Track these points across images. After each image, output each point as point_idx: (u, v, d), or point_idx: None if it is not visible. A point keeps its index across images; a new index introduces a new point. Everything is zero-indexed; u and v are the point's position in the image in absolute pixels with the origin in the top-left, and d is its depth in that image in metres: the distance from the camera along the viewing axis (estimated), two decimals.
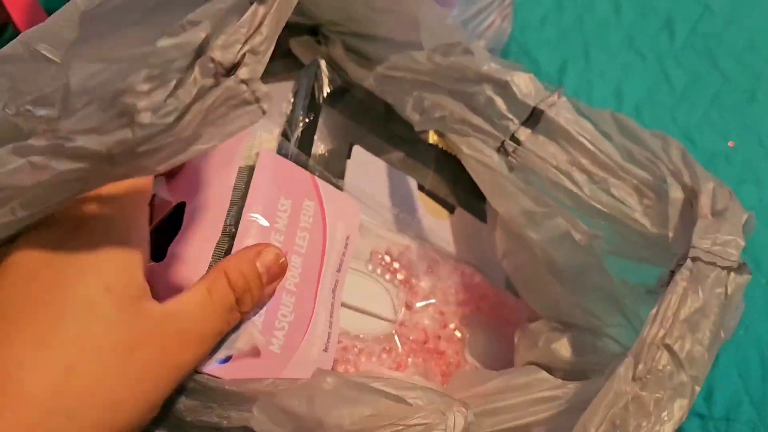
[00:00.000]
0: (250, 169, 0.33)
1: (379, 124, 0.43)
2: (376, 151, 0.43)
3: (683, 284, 0.28)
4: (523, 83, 0.35)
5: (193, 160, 0.31)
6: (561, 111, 0.34)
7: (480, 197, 0.45)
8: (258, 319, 0.30)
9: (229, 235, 0.31)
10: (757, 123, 0.57)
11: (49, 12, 0.59)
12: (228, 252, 0.31)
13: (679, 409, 0.27)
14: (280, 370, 0.31)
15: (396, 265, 0.38)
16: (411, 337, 0.37)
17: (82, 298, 0.24)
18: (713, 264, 0.29)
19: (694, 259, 0.29)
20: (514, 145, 0.35)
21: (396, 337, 0.36)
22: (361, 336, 0.35)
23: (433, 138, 0.45)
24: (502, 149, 0.35)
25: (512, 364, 0.39)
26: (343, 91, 0.41)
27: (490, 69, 0.35)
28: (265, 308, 0.31)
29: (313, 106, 0.38)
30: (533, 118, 0.34)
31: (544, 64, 0.60)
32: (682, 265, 0.29)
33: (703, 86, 0.59)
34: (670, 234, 0.31)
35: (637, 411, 0.26)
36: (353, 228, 0.36)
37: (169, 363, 0.25)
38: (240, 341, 0.30)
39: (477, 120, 0.36)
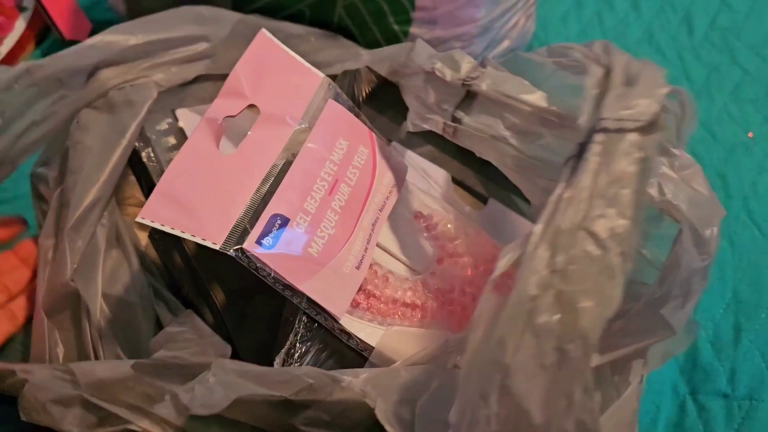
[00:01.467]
0: (316, 113, 0.38)
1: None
2: (409, 145, 0.45)
3: (595, 161, 0.26)
4: (450, 63, 0.35)
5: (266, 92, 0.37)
6: (485, 80, 0.34)
7: (508, 187, 0.47)
8: (302, 224, 0.35)
9: (293, 153, 0.37)
10: None
11: (90, 17, 0.62)
12: (285, 169, 0.36)
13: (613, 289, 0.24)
14: (315, 272, 0.35)
15: (436, 223, 0.42)
16: (437, 286, 0.39)
17: None
18: (621, 129, 0.26)
19: (603, 131, 0.26)
20: (454, 125, 0.36)
21: (422, 283, 0.39)
22: (393, 271, 0.39)
23: None
24: (445, 132, 0.36)
25: None
26: (377, 89, 0.43)
27: (422, 60, 0.36)
28: (310, 216, 0.36)
29: (355, 105, 0.41)
30: (470, 95, 0.35)
31: None
32: (589, 141, 0.27)
33: (722, 80, 0.60)
34: (584, 113, 0.28)
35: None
36: (399, 180, 0.41)
37: None
38: (284, 237, 0.34)
39: (427, 112, 0.37)
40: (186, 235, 0.33)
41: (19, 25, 0.60)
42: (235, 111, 0.37)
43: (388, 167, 0.40)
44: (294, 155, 0.37)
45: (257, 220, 0.34)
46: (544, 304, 0.24)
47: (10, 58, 0.58)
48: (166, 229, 0.33)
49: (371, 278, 0.38)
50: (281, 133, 0.37)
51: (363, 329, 0.36)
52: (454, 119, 0.35)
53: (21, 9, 0.61)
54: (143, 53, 0.39)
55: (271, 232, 0.34)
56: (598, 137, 0.26)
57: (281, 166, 0.36)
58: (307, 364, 0.34)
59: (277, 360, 0.33)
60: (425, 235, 0.41)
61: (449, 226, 0.42)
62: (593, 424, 0.24)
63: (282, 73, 0.38)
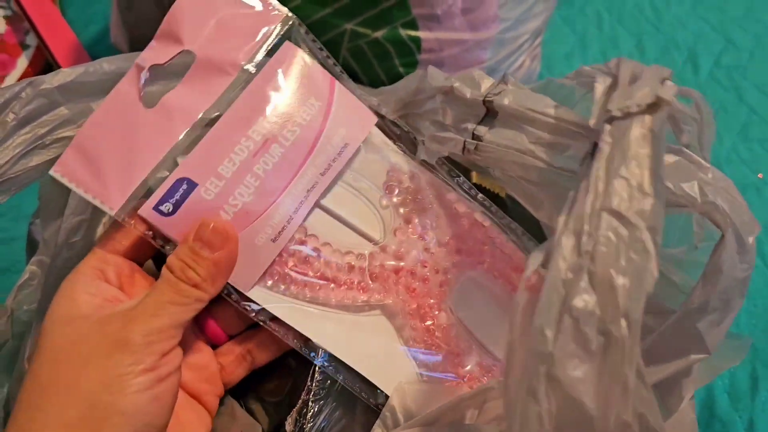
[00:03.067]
0: (265, 60, 0.34)
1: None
2: None
3: (607, 148, 0.26)
4: (470, 82, 0.35)
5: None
6: (509, 95, 0.34)
7: (508, 215, 0.46)
8: (212, 190, 0.32)
9: (222, 108, 0.33)
10: None
11: (92, 55, 0.62)
12: (211, 126, 0.33)
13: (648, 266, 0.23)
14: None
15: (400, 180, 0.38)
16: (389, 261, 0.36)
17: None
18: (628, 114, 0.26)
19: (610, 121, 0.26)
20: (475, 142, 0.35)
21: (368, 257, 0.36)
22: (331, 242, 0.35)
23: (475, 178, 0.46)
24: (465, 150, 0.35)
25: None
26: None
27: (438, 81, 0.36)
28: (224, 182, 0.32)
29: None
30: (491, 113, 0.35)
31: None
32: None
33: (729, 119, 0.60)
34: (593, 116, 0.29)
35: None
36: (356, 138, 0.36)
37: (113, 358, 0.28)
38: (187, 204, 0.32)
39: (444, 133, 0.36)
40: (88, 197, 0.31)
41: (22, 63, 0.59)
42: (165, 58, 0.33)
43: (344, 122, 0.35)
44: (223, 111, 0.33)
45: (161, 184, 0.32)
46: (578, 287, 0.23)
47: None
48: (73, 188, 0.31)
49: (296, 253, 0.35)
50: (214, 84, 0.33)
51: (281, 306, 0.34)
52: (475, 136, 0.35)
53: (23, 47, 0.60)
54: None
55: (172, 197, 0.32)
56: (607, 128, 0.26)
57: (207, 123, 0.32)
58: (320, 425, 0.33)
59: (289, 420, 0.32)
60: (385, 201, 0.37)
61: (418, 185, 0.38)
62: (654, 416, 0.23)
63: (232, 10, 0.33)
